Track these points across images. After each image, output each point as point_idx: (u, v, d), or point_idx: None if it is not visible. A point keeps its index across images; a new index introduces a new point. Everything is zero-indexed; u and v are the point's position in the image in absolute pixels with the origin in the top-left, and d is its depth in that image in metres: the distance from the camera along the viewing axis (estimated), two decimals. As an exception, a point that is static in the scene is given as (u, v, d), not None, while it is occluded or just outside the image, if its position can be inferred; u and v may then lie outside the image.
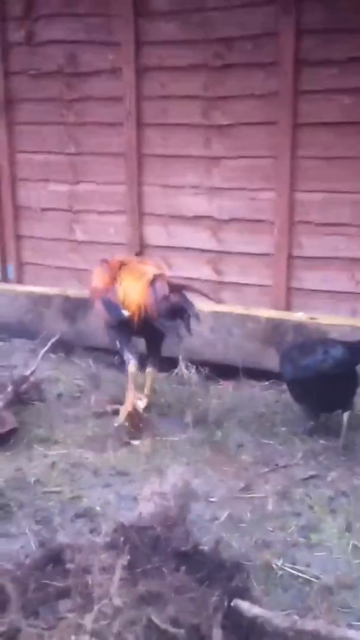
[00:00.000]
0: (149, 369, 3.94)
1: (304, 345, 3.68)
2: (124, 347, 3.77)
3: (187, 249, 4.87)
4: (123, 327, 3.71)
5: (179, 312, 3.47)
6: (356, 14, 4.10)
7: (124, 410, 3.75)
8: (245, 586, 1.94)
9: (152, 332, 3.68)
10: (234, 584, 1.90)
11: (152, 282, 3.54)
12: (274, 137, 4.42)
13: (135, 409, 3.73)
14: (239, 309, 4.59)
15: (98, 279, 3.88)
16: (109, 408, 3.96)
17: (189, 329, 3.52)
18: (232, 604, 1.76)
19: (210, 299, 3.82)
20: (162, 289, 3.49)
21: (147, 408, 3.93)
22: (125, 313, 3.64)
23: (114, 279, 3.78)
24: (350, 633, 1.55)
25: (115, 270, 3.82)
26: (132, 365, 3.74)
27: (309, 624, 1.65)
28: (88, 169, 5.14)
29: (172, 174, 4.81)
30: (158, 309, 3.47)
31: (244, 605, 1.75)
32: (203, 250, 4.82)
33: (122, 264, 3.85)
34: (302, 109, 4.33)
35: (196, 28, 4.51)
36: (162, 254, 4.89)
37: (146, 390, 3.97)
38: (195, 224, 4.81)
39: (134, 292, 3.61)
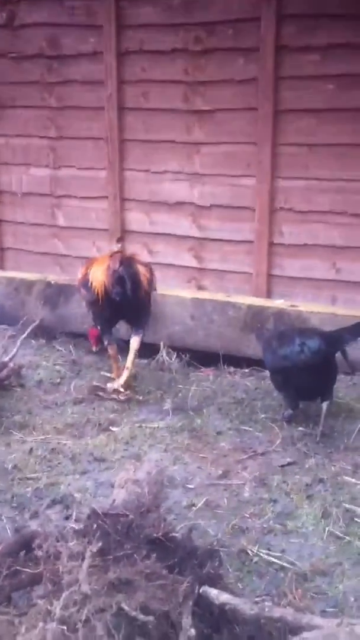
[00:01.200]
0: (132, 340, 4.03)
1: (283, 334, 3.68)
2: (104, 331, 4.05)
3: (169, 235, 4.85)
4: (99, 309, 3.93)
5: (123, 280, 3.72)
6: (338, 0, 4.08)
7: (125, 376, 3.99)
8: (216, 573, 1.95)
9: (130, 310, 3.93)
10: (205, 571, 1.91)
11: (110, 260, 3.81)
12: (254, 123, 4.41)
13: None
14: (219, 296, 4.59)
15: (79, 274, 4.12)
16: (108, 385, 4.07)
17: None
18: (200, 591, 1.77)
19: (145, 264, 3.94)
20: (114, 263, 3.76)
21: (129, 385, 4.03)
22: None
23: (89, 268, 3.99)
24: (317, 620, 1.56)
25: (91, 264, 4.03)
26: (110, 348, 4.07)
27: (277, 611, 1.66)
28: (69, 154, 5.10)
29: (154, 160, 4.78)
30: (110, 282, 3.74)
31: (212, 592, 1.76)
32: (184, 237, 4.80)
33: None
34: (283, 96, 4.32)
35: (177, 12, 4.47)
36: (143, 241, 4.88)
37: (128, 362, 4.00)
38: (176, 210, 4.79)
39: (98, 272, 3.86)
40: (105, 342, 4.10)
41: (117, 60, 4.75)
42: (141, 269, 3.86)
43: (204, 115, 4.56)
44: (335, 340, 3.45)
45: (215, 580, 1.92)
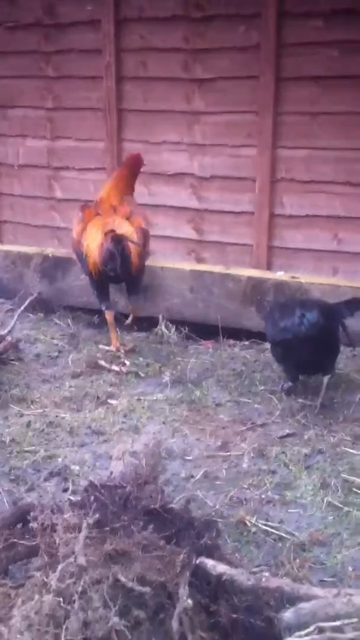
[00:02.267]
0: (130, 304, 4.21)
1: (285, 306, 3.64)
2: (100, 297, 4.10)
3: (169, 207, 4.79)
4: (93, 279, 4.02)
5: (114, 257, 3.80)
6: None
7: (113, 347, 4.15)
8: (214, 544, 1.94)
9: (124, 280, 4.05)
10: (203, 542, 1.90)
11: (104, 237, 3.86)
12: (255, 92, 4.33)
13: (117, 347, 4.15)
14: (219, 268, 4.55)
15: (74, 229, 4.16)
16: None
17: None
18: (197, 562, 1.76)
19: (136, 244, 3.93)
20: (106, 241, 3.82)
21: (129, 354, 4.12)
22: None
23: (84, 231, 4.03)
24: (315, 590, 1.55)
25: (87, 221, 4.05)
26: (107, 314, 4.11)
27: (274, 582, 1.65)
28: (67, 125, 5.03)
29: (153, 130, 4.71)
30: (101, 260, 3.84)
31: (209, 563, 1.75)
32: (184, 209, 4.75)
33: (96, 213, 4.09)
34: (285, 63, 4.24)
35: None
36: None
37: (128, 320, 4.30)
38: (176, 181, 4.73)
39: (92, 248, 3.91)
40: (103, 308, 4.12)
41: (115, 28, 4.66)
42: (131, 245, 3.86)
43: (205, 83, 4.48)
44: (333, 313, 3.42)
45: (212, 551, 1.91)
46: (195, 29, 4.41)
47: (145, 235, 4.04)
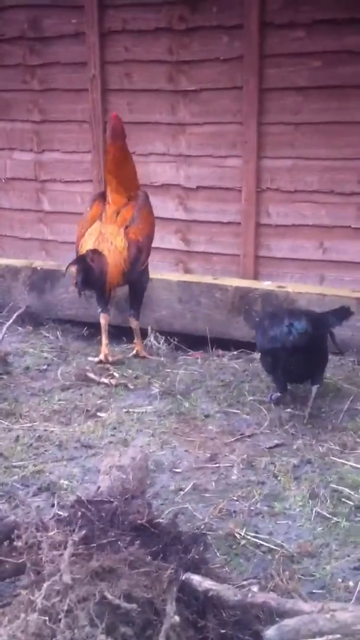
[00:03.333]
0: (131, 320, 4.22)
1: (274, 315, 3.64)
2: (96, 300, 4.14)
3: (156, 218, 4.79)
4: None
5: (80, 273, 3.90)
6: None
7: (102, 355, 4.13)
8: (201, 558, 1.93)
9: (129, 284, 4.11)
10: (190, 556, 1.89)
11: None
12: (239, 102, 4.36)
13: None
14: (206, 279, 4.56)
15: (77, 232, 4.19)
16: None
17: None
18: (183, 577, 1.75)
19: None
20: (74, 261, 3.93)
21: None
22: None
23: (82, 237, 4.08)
24: (300, 604, 1.55)
25: (87, 227, 4.09)
26: (101, 317, 4.12)
27: (260, 597, 1.65)
28: (53, 137, 5.05)
29: (139, 141, 4.72)
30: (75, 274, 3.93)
31: (195, 579, 1.74)
32: (171, 220, 4.76)
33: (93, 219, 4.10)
34: (268, 73, 4.27)
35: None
36: (129, 224, 4.83)
37: (136, 339, 4.28)
38: (162, 192, 4.74)
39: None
40: (98, 311, 4.14)
41: (100, 41, 4.69)
42: (104, 260, 3.89)
43: (189, 95, 4.51)
44: (321, 322, 3.43)
45: (200, 566, 1.90)
46: (179, 41, 4.45)
47: (139, 249, 4.01)
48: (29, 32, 4.94)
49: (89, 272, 3.85)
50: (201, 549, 1.98)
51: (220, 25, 4.30)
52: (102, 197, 4.15)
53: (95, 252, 3.90)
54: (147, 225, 4.09)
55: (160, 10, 4.44)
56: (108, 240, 3.97)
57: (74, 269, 3.90)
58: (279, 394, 3.63)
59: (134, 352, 4.29)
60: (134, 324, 4.22)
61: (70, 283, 4.18)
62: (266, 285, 4.41)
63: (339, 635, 1.32)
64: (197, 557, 1.90)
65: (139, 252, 4.02)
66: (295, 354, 3.36)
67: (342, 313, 3.56)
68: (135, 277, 4.06)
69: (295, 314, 3.48)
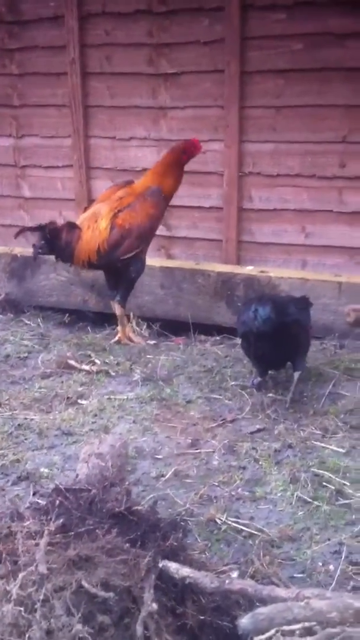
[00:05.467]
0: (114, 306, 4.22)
1: (250, 300, 3.61)
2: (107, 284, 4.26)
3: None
4: None
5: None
6: None
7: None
8: (180, 545, 1.93)
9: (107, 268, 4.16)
10: (169, 543, 1.89)
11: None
12: (221, 85, 4.31)
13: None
14: (189, 264, 4.54)
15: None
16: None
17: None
18: (160, 565, 1.74)
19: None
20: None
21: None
22: None
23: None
24: (277, 590, 1.54)
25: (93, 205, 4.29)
26: (112, 303, 4.23)
27: (237, 583, 1.64)
28: (32, 122, 4.99)
29: (120, 126, 4.69)
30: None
31: (172, 567, 1.73)
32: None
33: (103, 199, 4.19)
34: (249, 56, 4.23)
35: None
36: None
37: (119, 326, 4.27)
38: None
39: None
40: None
41: (79, 24, 4.63)
42: (86, 236, 4.00)
43: (170, 78, 4.47)
44: (287, 308, 3.38)
45: (178, 552, 1.90)
46: (159, 24, 4.39)
47: (123, 235, 4.00)
48: (6, 15, 4.86)
49: (53, 241, 3.98)
50: (180, 535, 1.97)
51: (200, 8, 4.25)
52: (126, 184, 4.19)
53: (69, 224, 4.03)
54: (143, 216, 4.04)
55: (140, -8, 4.38)
56: (95, 218, 4.03)
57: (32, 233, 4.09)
58: (259, 379, 3.62)
59: (116, 338, 4.26)
60: (118, 310, 4.19)
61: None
62: (248, 270, 4.39)
63: (314, 623, 1.32)
64: (175, 544, 1.89)
65: (122, 238, 4.00)
66: (263, 339, 3.32)
67: (303, 302, 3.54)
68: (117, 262, 4.03)
69: (263, 300, 3.43)
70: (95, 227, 3.99)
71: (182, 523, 2.11)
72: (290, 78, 4.19)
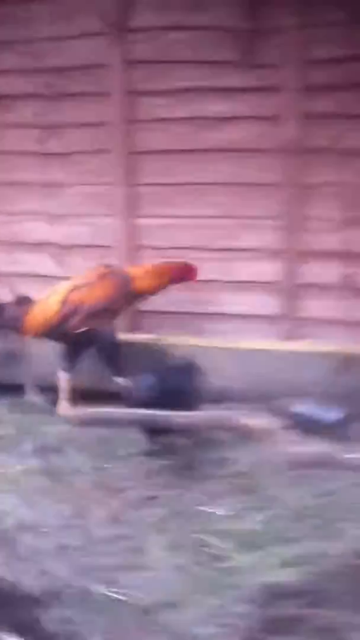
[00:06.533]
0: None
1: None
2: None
3: (34, 275, 4.83)
4: None
5: None
6: (184, 45, 4.26)
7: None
8: (35, 618, 1.93)
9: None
10: (23, 618, 1.88)
11: None
12: (109, 165, 4.49)
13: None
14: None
15: None
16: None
17: None
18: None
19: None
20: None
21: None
22: None
23: None
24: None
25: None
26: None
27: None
28: None
29: (14, 201, 4.78)
30: None
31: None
32: (50, 277, 4.79)
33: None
34: (136, 138, 4.45)
35: (27, 58, 4.53)
36: (8, 281, 4.83)
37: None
38: (39, 250, 4.79)
39: None
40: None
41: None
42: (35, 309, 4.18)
43: (61, 157, 4.62)
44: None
45: (33, 626, 1.90)
46: (48, 106, 4.57)
47: (75, 310, 4.11)
48: None
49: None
50: (36, 609, 1.96)
51: (87, 92, 4.46)
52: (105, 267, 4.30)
53: (23, 298, 4.25)
54: (100, 295, 4.15)
55: (29, 77, 4.56)
56: (52, 293, 4.19)
57: None
58: (150, 447, 3.68)
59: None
60: (61, 378, 4.28)
61: None
62: (144, 338, 4.51)
63: None
64: (28, 618, 1.89)
65: (72, 314, 4.10)
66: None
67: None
68: (69, 334, 4.15)
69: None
70: (47, 301, 4.19)
71: (49, 596, 2.11)
72: (176, 158, 4.41)
